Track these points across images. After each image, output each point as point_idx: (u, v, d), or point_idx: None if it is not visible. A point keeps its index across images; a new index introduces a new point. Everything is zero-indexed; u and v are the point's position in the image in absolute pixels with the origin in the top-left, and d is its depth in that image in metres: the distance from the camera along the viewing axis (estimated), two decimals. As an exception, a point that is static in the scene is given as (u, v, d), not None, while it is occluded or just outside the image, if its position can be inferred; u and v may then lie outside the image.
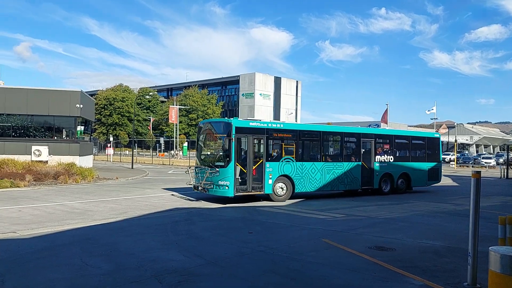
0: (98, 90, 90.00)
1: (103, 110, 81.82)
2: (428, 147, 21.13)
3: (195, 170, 16.49)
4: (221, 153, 15.38)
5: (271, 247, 8.35)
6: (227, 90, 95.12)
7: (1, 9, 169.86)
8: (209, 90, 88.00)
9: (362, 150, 18.44)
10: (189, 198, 16.21)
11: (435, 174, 20.86)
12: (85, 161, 29.34)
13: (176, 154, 60.14)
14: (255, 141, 15.64)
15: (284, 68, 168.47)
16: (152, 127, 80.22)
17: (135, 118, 48.55)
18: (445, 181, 25.57)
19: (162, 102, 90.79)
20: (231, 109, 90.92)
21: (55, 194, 16.60)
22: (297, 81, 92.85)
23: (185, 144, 65.88)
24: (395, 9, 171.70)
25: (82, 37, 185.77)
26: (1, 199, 14.83)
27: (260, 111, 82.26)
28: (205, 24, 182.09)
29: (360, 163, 18.11)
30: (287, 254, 7.85)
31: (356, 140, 18.56)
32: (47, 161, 25.20)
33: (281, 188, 15.77)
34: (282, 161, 15.87)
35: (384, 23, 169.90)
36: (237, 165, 14.76)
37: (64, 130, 28.71)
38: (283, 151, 16.20)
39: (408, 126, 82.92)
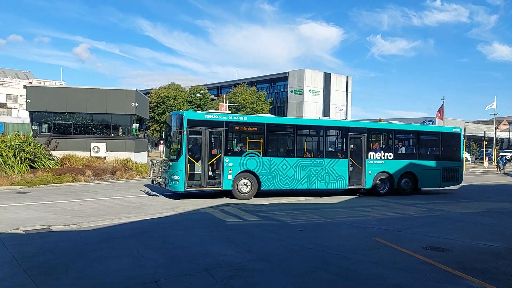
0: (152, 89, 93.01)
1: (156, 108, 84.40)
2: (444, 144, 18.57)
3: (162, 163, 16.51)
4: (174, 147, 15.08)
5: (322, 245, 8.31)
6: (275, 87, 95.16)
7: (63, 13, 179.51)
8: (257, 88, 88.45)
9: (351, 146, 17.02)
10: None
11: (453, 174, 18.31)
12: (140, 157, 30.46)
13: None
14: (213, 134, 15.11)
15: (334, 63, 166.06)
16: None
17: (186, 115, 49.51)
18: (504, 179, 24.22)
19: (212, 99, 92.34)
20: (280, 106, 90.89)
21: (112, 189, 17.39)
22: (347, 77, 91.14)
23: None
24: (451, 0, 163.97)
25: (136, 38, 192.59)
26: (63, 192, 15.76)
27: (309, 108, 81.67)
28: (254, 22, 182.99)
29: (346, 159, 16.51)
30: (337, 252, 7.79)
31: (342, 134, 17.15)
32: (105, 157, 26.41)
33: (245, 185, 15.06)
34: (244, 156, 15.12)
35: (440, 15, 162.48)
36: (190, 159, 14.40)
37: (120, 127, 29.92)
38: (248, 145, 15.64)
39: (466, 122, 79.15)
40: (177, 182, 14.08)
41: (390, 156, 17.34)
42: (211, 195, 15.56)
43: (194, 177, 14.47)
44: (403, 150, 18.17)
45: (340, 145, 17.49)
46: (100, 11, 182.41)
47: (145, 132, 41.25)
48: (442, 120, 48.06)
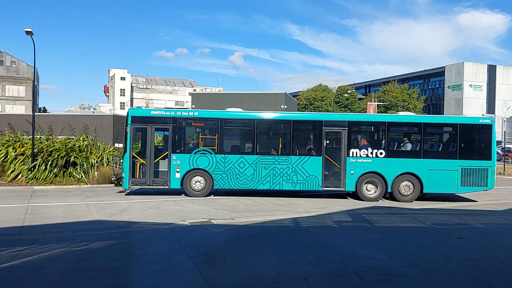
0: (300, 91, 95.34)
1: (304, 109, 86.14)
2: (464, 138, 14.77)
3: None
4: (123, 144, 14.67)
5: (484, 255, 7.48)
6: (430, 83, 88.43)
7: (220, 25, 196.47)
8: (409, 85, 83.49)
9: (326, 142, 14.71)
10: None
11: (477, 176, 14.42)
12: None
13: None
14: (159, 131, 14.84)
15: (500, 54, 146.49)
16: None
17: (333, 116, 49.51)
18: None
19: (360, 99, 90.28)
20: (435, 103, 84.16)
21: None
22: (517, 68, 79.79)
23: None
24: None
25: (285, 43, 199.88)
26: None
27: (469, 104, 73.82)
28: (404, 16, 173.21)
29: (320, 157, 14.48)
30: (503, 265, 6.92)
31: (314, 128, 14.99)
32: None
33: (199, 182, 14.51)
34: (195, 153, 14.47)
35: None
36: (134, 157, 14.04)
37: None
38: (200, 142, 14.96)
39: None
40: (123, 180, 14.37)
41: (381, 153, 14.54)
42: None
43: (139, 174, 14.44)
44: (401, 146, 15.16)
45: (312, 141, 15.38)
46: (252, 20, 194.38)
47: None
48: None
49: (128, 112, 14.76)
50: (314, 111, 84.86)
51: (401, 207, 13.28)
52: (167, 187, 14.47)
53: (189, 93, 66.20)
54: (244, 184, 14.59)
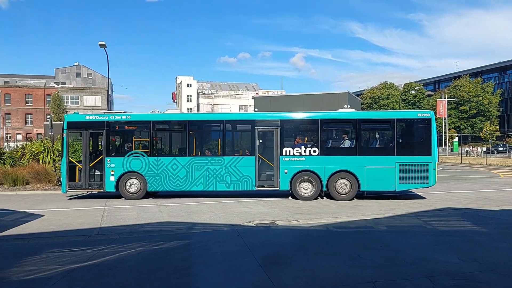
0: (364, 90, 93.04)
1: (368, 108, 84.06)
2: (402, 134, 14.61)
3: None
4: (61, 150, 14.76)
5: None
6: (506, 76, 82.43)
7: (281, 27, 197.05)
8: (483, 78, 78.45)
9: (259, 141, 14.55)
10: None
11: (417, 173, 13.83)
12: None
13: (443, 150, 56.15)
14: (94, 135, 15.14)
15: None
16: (419, 123, 77.25)
17: (400, 114, 47.76)
18: None
19: (429, 96, 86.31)
20: (513, 97, 78.33)
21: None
22: None
23: (455, 139, 60.73)
24: None
25: (348, 41, 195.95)
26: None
27: (553, 97, 67.83)
28: (475, 7, 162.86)
29: (253, 157, 14.35)
30: None
31: (247, 128, 14.76)
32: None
33: (133, 184, 14.68)
34: (128, 156, 14.62)
35: None
36: (70, 161, 14.03)
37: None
38: (133, 145, 14.96)
39: None
40: (62, 184, 14.74)
41: (315, 151, 14.28)
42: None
43: (76, 178, 14.60)
44: (334, 143, 14.87)
45: (245, 141, 15.19)
46: (313, 21, 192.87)
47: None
48: None
49: (64, 118, 15.25)
50: (380, 110, 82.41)
51: (476, 209, 12.50)
52: (103, 190, 14.79)
53: (252, 96, 67.05)
54: (178, 186, 14.63)
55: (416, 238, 8.74)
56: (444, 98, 68.53)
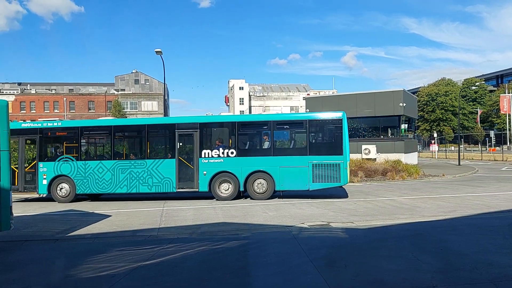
0: (420, 87, 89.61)
1: (425, 106, 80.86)
2: (315, 134, 15.25)
3: None
4: None
5: None
6: None
7: (332, 26, 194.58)
8: (552, 70, 73.03)
9: (179, 144, 15.20)
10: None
11: (330, 172, 14.34)
12: (410, 158, 29.82)
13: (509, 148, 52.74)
14: (29, 142, 15.98)
15: None
16: (480, 120, 73.32)
17: (460, 111, 45.60)
18: None
19: (491, 91, 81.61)
20: None
21: (384, 190, 17.68)
22: None
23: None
24: None
25: (401, 38, 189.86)
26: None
27: None
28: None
29: (173, 160, 15.04)
30: None
31: (167, 132, 15.56)
32: (375, 159, 27.09)
33: (64, 188, 15.53)
34: (58, 161, 15.53)
35: None
36: (10, 167, 13.90)
37: (389, 129, 30.13)
38: (64, 150, 15.73)
39: None
40: None
41: (232, 153, 14.93)
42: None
43: (13, 183, 14.63)
44: (251, 145, 15.57)
45: (166, 144, 15.84)
46: (365, 18, 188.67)
47: (415, 132, 40.22)
48: None
49: None
50: (438, 107, 79.03)
51: (547, 211, 11.69)
52: (36, 193, 15.89)
53: (303, 97, 66.71)
54: (103, 188, 15.41)
55: (479, 241, 8.32)
56: (508, 93, 64.54)
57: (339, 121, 14.77)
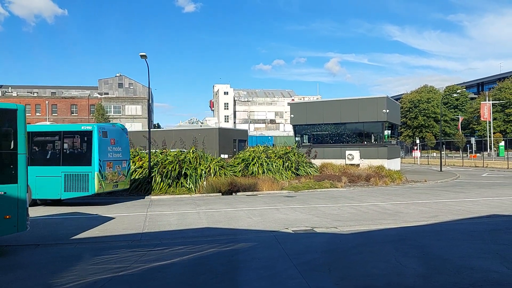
0: (403, 94, 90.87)
1: (408, 113, 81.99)
2: (67, 146, 16.31)
3: None
4: None
5: None
6: (556, 76, 78.30)
7: (316, 33, 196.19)
8: (531, 79, 74.80)
9: None
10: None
11: (79, 181, 15.08)
12: (393, 164, 30.16)
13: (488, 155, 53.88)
14: None
15: None
16: (461, 127, 74.70)
17: (441, 118, 46.37)
18: None
19: (472, 99, 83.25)
20: None
21: (367, 195, 17.83)
22: None
23: (502, 143, 58.20)
24: None
25: (384, 45, 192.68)
26: (323, 197, 17.11)
27: None
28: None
29: None
30: None
31: None
32: (358, 164, 27.35)
33: None
34: None
35: None
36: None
37: (372, 135, 30.45)
38: None
39: None
40: None
41: None
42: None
43: None
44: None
45: None
46: (348, 25, 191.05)
47: (398, 139, 40.75)
48: None
49: None
50: (420, 114, 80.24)
51: (526, 216, 11.94)
52: None
53: (288, 103, 67.00)
54: None
55: (461, 246, 8.46)
56: (489, 100, 65.94)
57: (90, 133, 15.48)
